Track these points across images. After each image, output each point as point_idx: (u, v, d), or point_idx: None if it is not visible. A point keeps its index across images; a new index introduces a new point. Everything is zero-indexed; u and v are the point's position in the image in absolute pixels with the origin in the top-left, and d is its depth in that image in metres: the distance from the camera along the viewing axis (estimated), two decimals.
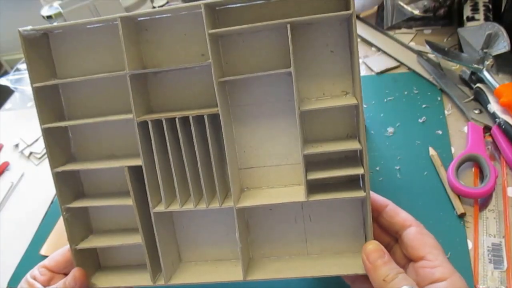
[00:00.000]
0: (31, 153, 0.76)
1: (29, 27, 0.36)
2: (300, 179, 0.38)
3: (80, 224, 0.41)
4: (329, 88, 0.38)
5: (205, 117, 0.35)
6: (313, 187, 0.37)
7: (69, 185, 0.40)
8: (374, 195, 0.37)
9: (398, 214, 0.36)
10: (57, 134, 0.39)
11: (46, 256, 0.46)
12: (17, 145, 0.78)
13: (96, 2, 0.81)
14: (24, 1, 2.05)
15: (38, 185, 0.69)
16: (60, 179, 0.38)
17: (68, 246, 0.40)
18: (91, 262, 0.42)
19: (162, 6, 0.96)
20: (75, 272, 0.39)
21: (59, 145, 0.39)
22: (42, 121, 0.37)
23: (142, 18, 0.37)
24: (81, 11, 0.80)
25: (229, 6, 0.37)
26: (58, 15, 0.86)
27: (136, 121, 0.36)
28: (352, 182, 0.38)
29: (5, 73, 2.14)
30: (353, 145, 0.36)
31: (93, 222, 0.43)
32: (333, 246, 0.39)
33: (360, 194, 0.35)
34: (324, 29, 0.37)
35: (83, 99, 0.40)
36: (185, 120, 0.36)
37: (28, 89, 0.87)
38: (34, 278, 0.40)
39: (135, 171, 0.37)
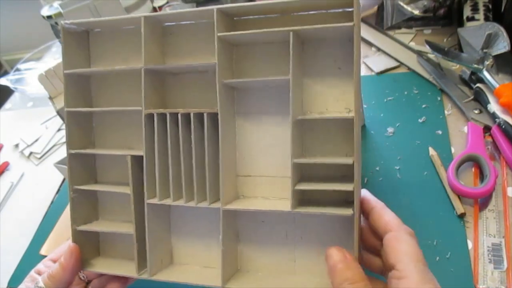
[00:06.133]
0: (31, 153, 0.76)
1: (70, 21, 0.40)
2: None
3: (85, 208, 0.43)
4: (333, 104, 0.38)
5: (205, 115, 0.36)
6: (304, 202, 0.36)
7: (81, 169, 0.42)
8: (366, 194, 0.35)
9: (382, 217, 0.33)
10: (79, 118, 0.42)
11: (46, 256, 0.46)
12: (17, 145, 0.78)
13: (96, 2, 0.81)
14: (24, 1, 2.05)
15: (38, 185, 0.69)
16: (73, 160, 0.41)
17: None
18: (89, 247, 0.43)
19: (162, 6, 0.96)
20: (71, 247, 0.39)
21: (79, 130, 0.42)
22: (67, 104, 0.40)
23: (169, 24, 0.41)
24: (81, 11, 0.80)
25: (246, 17, 0.39)
26: (58, 15, 0.86)
27: (143, 113, 0.38)
28: (347, 204, 0.36)
29: (5, 73, 2.14)
30: (346, 160, 0.34)
31: (100, 210, 0.45)
32: (321, 269, 0.38)
33: (348, 212, 0.33)
34: (334, 45, 0.37)
35: (110, 93, 0.43)
36: (188, 118, 0.37)
37: (28, 89, 0.87)
38: (38, 273, 0.40)
39: (139, 162, 0.39)
